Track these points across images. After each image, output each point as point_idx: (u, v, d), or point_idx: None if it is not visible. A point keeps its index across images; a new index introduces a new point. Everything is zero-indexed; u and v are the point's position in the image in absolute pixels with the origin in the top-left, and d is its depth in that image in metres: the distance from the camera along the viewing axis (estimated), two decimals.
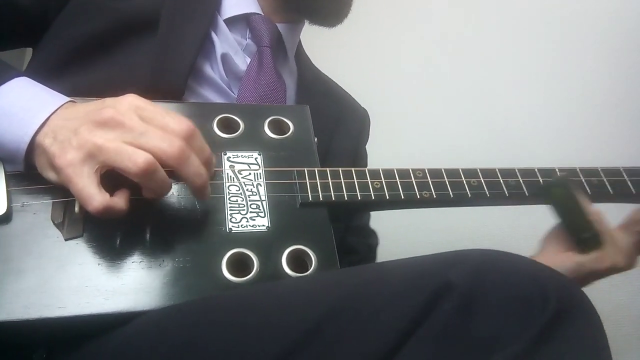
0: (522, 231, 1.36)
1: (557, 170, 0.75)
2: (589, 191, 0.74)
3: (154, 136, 0.55)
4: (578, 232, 0.70)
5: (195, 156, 0.58)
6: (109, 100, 0.58)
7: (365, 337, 0.47)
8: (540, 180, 0.73)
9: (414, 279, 0.49)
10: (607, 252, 0.70)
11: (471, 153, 1.43)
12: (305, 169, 0.69)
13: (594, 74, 1.44)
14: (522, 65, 1.52)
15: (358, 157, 1.00)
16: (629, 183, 0.75)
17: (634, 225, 0.72)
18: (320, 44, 1.11)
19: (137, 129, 0.55)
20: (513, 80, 1.52)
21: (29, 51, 0.84)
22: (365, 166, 1.03)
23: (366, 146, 1.04)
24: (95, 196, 0.54)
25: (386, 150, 1.11)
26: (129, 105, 0.57)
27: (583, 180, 0.74)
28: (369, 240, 1.02)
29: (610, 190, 0.74)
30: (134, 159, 0.53)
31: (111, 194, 0.56)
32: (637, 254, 0.73)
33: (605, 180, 0.75)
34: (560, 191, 0.71)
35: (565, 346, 0.44)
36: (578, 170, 0.76)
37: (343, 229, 0.90)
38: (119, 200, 0.56)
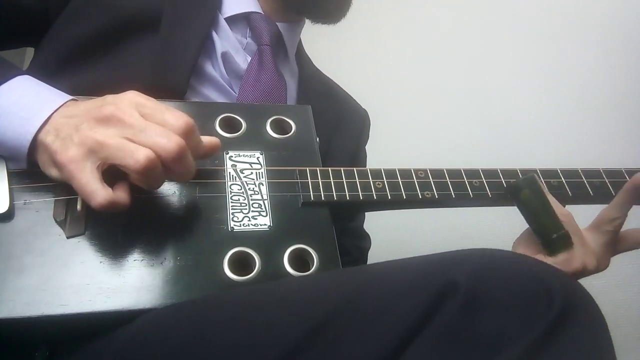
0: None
1: (559, 170, 0.75)
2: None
3: (153, 133, 0.55)
4: (546, 232, 0.68)
5: (190, 154, 0.58)
6: (109, 98, 0.58)
7: (370, 336, 0.47)
8: (542, 182, 0.73)
9: (418, 278, 0.49)
10: (576, 253, 0.68)
11: (473, 153, 1.43)
12: (307, 169, 0.69)
13: (594, 74, 1.44)
14: (523, 65, 1.52)
15: (357, 158, 1.00)
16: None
17: (603, 225, 0.70)
18: (321, 44, 1.11)
19: (137, 125, 0.55)
20: (514, 80, 1.52)
21: (29, 50, 0.84)
22: (364, 167, 1.03)
23: (368, 146, 1.04)
24: (98, 191, 0.54)
25: (388, 151, 1.12)
26: (129, 102, 0.57)
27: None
28: (362, 243, 1.01)
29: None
30: (135, 156, 0.54)
31: (112, 189, 0.56)
32: (607, 255, 0.71)
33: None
34: (527, 191, 0.69)
35: (571, 345, 0.44)
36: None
37: (338, 230, 0.90)
38: (122, 195, 0.56)
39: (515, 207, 0.73)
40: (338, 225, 0.68)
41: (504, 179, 0.73)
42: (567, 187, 0.74)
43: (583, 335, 0.45)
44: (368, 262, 1.00)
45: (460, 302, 0.45)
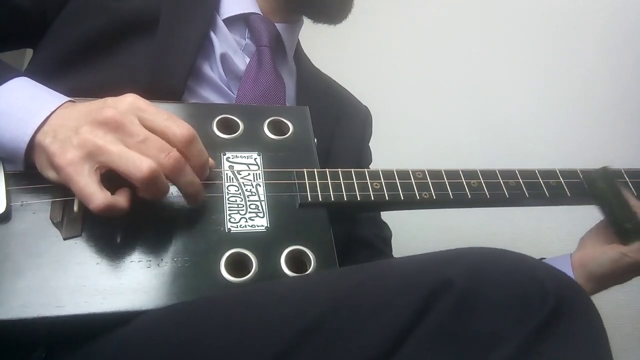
0: (522, 231, 1.36)
1: (557, 171, 0.75)
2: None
3: (153, 145, 0.56)
4: (620, 222, 0.72)
5: (189, 166, 0.58)
6: (109, 100, 0.58)
7: (364, 335, 0.47)
8: (541, 182, 0.73)
9: (413, 276, 0.49)
10: None
11: (471, 154, 1.43)
12: (305, 170, 0.69)
13: (593, 73, 1.43)
14: (522, 65, 1.52)
15: (363, 155, 1.00)
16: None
17: None
18: (320, 43, 1.11)
19: (138, 134, 0.56)
20: (513, 80, 1.52)
21: (29, 52, 0.84)
22: (370, 163, 1.03)
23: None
24: (96, 194, 0.54)
25: (385, 151, 1.11)
26: (129, 107, 0.57)
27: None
28: (383, 232, 1.01)
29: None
30: (139, 166, 0.54)
31: (111, 192, 0.56)
32: None
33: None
34: (603, 183, 0.73)
35: (564, 342, 0.44)
36: (579, 171, 0.76)
37: (356, 223, 0.90)
38: (121, 199, 0.57)
39: (512, 208, 0.74)
40: (338, 227, 0.68)
41: (502, 179, 0.72)
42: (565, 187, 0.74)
43: (577, 332, 0.45)
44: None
45: (454, 300, 0.45)
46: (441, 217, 1.34)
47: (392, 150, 1.23)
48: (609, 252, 0.72)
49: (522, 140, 1.44)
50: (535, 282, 0.46)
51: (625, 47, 1.42)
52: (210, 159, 0.63)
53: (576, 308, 0.46)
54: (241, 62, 0.85)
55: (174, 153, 0.56)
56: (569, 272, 0.75)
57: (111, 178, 0.57)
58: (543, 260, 0.80)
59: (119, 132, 0.55)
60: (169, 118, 0.58)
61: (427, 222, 1.35)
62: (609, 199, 0.72)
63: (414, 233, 1.34)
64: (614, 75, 1.42)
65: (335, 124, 0.92)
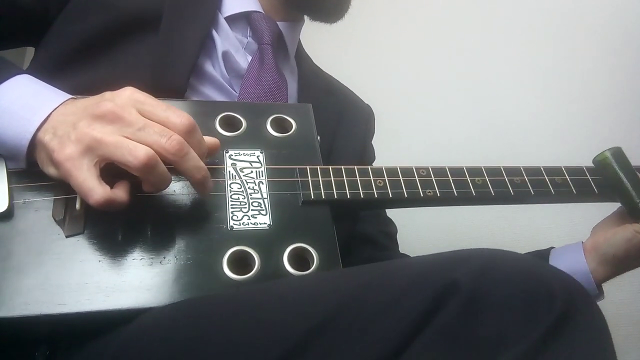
0: (522, 231, 1.36)
1: (563, 168, 0.75)
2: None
3: (153, 131, 0.55)
4: (632, 199, 0.71)
5: (194, 151, 0.58)
6: (107, 94, 0.58)
7: (370, 337, 0.46)
8: (547, 180, 0.73)
9: (419, 278, 0.49)
10: None
11: (471, 153, 1.43)
12: (308, 167, 0.69)
13: (593, 73, 1.44)
14: (523, 64, 1.52)
15: (366, 154, 1.00)
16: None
17: None
18: (322, 42, 1.11)
19: (136, 123, 0.55)
20: (514, 79, 1.52)
21: (29, 50, 0.84)
22: (374, 161, 1.03)
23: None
24: (95, 189, 0.54)
25: (389, 149, 1.11)
26: (127, 99, 0.57)
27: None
28: (388, 228, 1.00)
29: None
30: (135, 153, 0.54)
31: (111, 187, 0.56)
32: None
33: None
34: (612, 161, 0.72)
35: (571, 346, 0.43)
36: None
37: (354, 220, 0.90)
38: (120, 193, 0.56)
39: (512, 208, 0.73)
40: (342, 225, 0.68)
41: (507, 177, 0.72)
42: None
43: (584, 337, 0.44)
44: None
45: (460, 302, 0.45)
46: (441, 217, 1.34)
47: (393, 149, 1.23)
48: (622, 232, 0.71)
49: (522, 139, 1.44)
50: (543, 285, 0.46)
51: (625, 47, 1.42)
52: (214, 140, 0.63)
53: (583, 312, 0.45)
54: (243, 60, 0.85)
55: (176, 136, 0.56)
56: (581, 258, 0.75)
57: (114, 173, 0.56)
58: (552, 249, 0.80)
59: (117, 124, 0.55)
60: (168, 109, 0.57)
61: (427, 222, 1.35)
62: (621, 177, 0.72)
63: (414, 233, 1.33)
64: (614, 75, 1.42)
65: (337, 122, 0.92)
